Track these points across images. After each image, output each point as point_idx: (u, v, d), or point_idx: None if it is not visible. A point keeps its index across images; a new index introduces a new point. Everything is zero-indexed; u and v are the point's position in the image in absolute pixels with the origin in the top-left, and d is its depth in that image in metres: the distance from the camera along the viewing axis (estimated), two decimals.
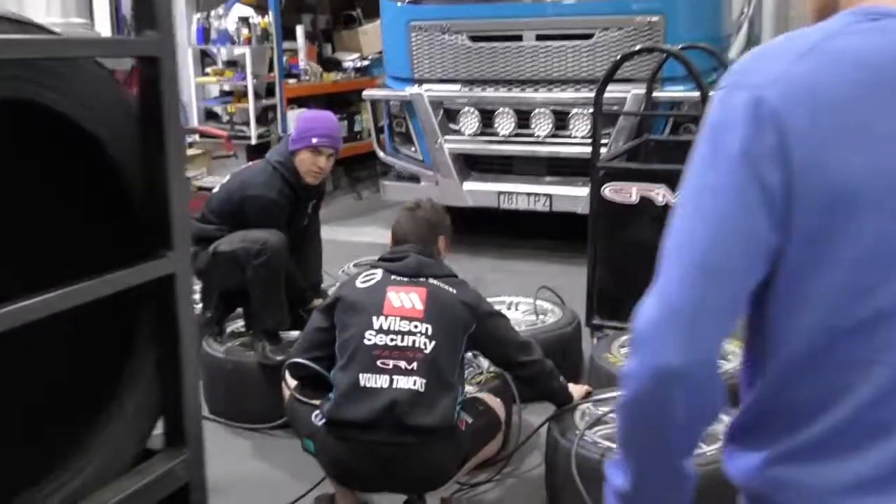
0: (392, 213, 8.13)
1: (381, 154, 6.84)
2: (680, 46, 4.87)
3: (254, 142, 7.43)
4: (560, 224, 6.29)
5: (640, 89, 5.54)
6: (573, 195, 5.97)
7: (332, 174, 9.30)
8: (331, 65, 8.88)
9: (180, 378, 1.55)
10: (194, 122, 7.72)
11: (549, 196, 6.16)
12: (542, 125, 6.15)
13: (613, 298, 4.36)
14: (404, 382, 2.67)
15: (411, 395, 2.66)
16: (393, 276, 2.86)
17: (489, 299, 4.39)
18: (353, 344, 2.75)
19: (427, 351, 2.70)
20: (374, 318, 2.77)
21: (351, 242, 7.20)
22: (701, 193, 1.08)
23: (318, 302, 3.91)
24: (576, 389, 3.12)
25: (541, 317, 4.22)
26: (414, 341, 2.71)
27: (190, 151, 7.44)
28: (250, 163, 4.12)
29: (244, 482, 3.35)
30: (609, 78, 4.35)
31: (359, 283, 2.90)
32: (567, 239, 6.21)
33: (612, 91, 5.83)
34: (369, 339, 2.74)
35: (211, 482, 1.61)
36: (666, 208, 4.11)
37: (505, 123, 6.25)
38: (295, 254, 3.98)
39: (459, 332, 2.76)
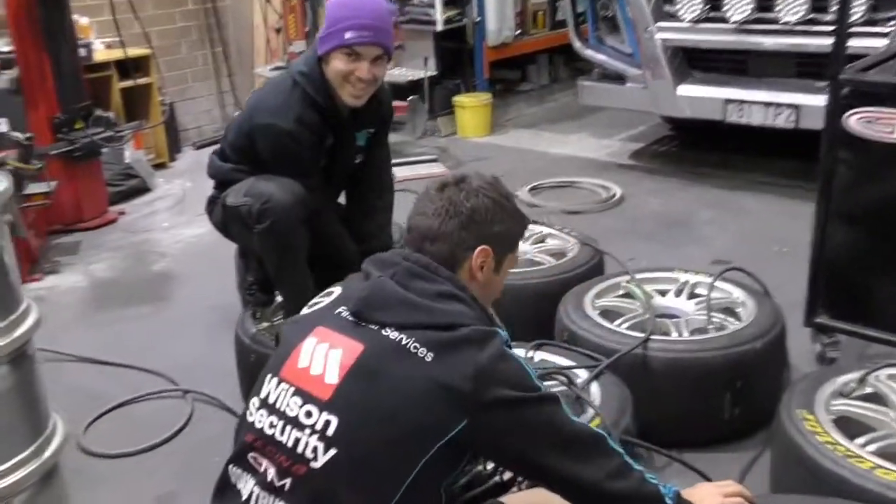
0: (610, 118, 6.73)
1: (576, 45, 5.35)
2: None
3: (439, 28, 6.20)
4: (812, 146, 4.57)
5: None
6: None
7: (549, 65, 7.96)
8: None
9: None
10: None
11: (796, 108, 4.42)
12: (791, 7, 4.37)
13: (853, 285, 2.82)
14: None
15: None
16: (340, 308, 1.61)
17: (654, 275, 3.04)
18: (247, 405, 1.63)
19: (316, 465, 1.45)
20: (269, 377, 1.59)
21: (547, 155, 5.89)
22: None
23: None
24: (707, 493, 1.72)
25: (717, 318, 2.76)
26: (298, 441, 1.47)
27: None
28: (274, 75, 2.93)
29: None
30: None
31: (318, 297, 1.72)
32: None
33: None
34: (251, 413, 1.58)
35: None
36: None
37: (739, 4, 4.52)
38: (348, 206, 2.82)
39: (415, 438, 1.45)
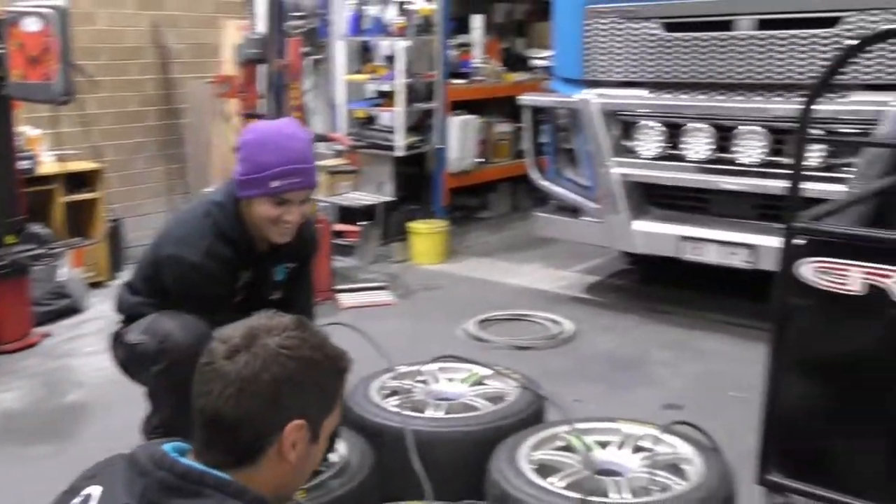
0: (569, 249, 6.56)
1: (533, 176, 5.27)
2: None
3: (399, 153, 6.13)
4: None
5: None
6: None
7: (511, 194, 7.87)
8: (518, 63, 7.43)
9: None
10: (343, 126, 6.55)
11: (754, 248, 4.31)
12: (750, 149, 4.32)
13: (810, 444, 2.58)
14: None
15: None
16: None
17: (596, 424, 2.71)
18: None
19: None
20: None
21: (501, 285, 5.70)
22: None
23: None
24: None
25: (662, 476, 2.51)
26: None
27: (330, 162, 6.28)
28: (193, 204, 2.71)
29: None
30: (827, 80, 2.56)
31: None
32: None
33: (864, 102, 3.99)
34: None
35: None
36: None
37: (698, 144, 4.47)
38: None
39: None
